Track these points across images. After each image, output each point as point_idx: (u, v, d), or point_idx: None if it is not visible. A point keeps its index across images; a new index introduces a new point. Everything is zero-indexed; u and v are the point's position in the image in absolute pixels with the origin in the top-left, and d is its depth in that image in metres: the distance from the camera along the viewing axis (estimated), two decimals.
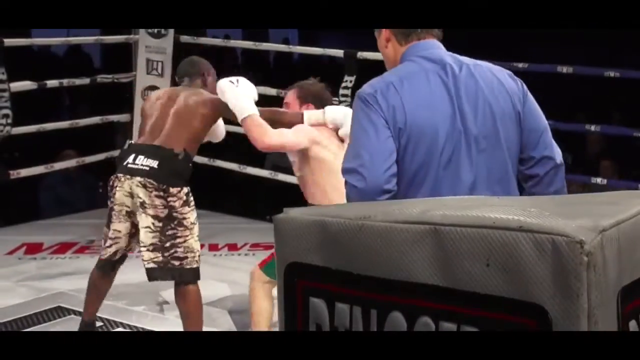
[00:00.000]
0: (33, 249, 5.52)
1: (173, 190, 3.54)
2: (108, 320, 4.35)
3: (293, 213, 1.22)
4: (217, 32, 7.13)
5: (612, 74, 4.92)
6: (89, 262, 5.24)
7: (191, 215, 3.61)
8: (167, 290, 4.71)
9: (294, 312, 1.20)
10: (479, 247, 1.09)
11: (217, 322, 4.35)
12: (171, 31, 5.94)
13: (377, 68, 6.49)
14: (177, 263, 3.57)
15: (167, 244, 3.54)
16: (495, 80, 2.14)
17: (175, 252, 3.56)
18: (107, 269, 3.84)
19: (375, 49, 5.63)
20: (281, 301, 1.22)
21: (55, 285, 4.81)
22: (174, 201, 3.54)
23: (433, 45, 2.19)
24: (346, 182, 1.93)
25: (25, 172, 5.70)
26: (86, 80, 5.92)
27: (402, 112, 2.00)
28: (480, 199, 1.44)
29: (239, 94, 3.55)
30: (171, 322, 4.30)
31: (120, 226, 3.64)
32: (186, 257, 3.58)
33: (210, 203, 6.52)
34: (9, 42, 5.38)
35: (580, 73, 5.11)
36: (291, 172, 6.65)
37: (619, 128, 5.75)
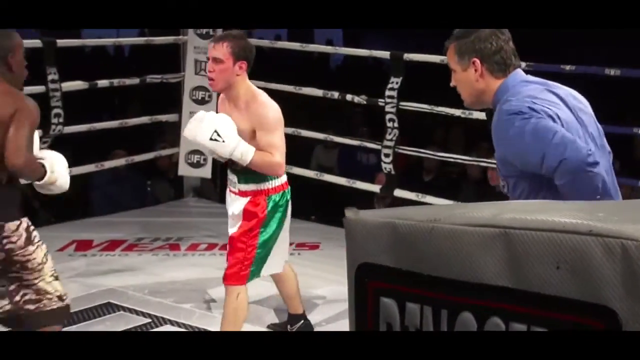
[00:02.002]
0: (83, 245, 5.63)
1: (9, 226, 2.98)
2: (156, 317, 4.41)
3: (364, 215, 1.25)
4: (265, 33, 7.21)
5: None
6: (137, 260, 5.35)
7: (37, 254, 3.06)
8: (214, 289, 4.77)
9: (365, 312, 1.24)
10: (549, 250, 1.12)
11: (262, 320, 4.39)
12: (219, 32, 6.01)
13: (423, 69, 6.51)
14: (32, 307, 3.06)
15: (13, 287, 3.04)
16: (574, 91, 2.46)
17: (25, 294, 3.05)
18: None
19: (420, 50, 5.65)
20: (351, 301, 1.26)
21: (105, 281, 4.90)
22: (13, 242, 2.99)
23: (522, 72, 2.47)
24: (593, 173, 2.18)
25: (76, 171, 5.81)
26: (136, 80, 6.03)
27: (559, 122, 2.26)
28: (546, 203, 1.47)
29: (230, 143, 3.46)
30: (218, 320, 4.36)
31: None
32: (40, 300, 3.06)
33: None
34: (61, 42, 5.51)
35: (627, 75, 5.08)
36: (336, 173, 6.72)
37: None
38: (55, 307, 3.10)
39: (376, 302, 1.22)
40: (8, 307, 3.04)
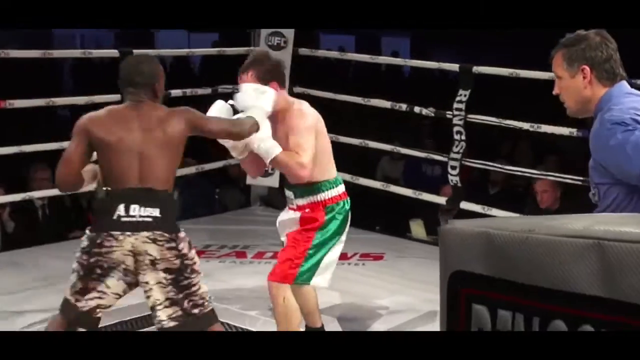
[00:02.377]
0: None
1: (180, 235, 3.11)
2: (222, 323, 4.47)
3: (459, 224, 1.30)
4: (332, 45, 7.31)
5: None
6: (204, 266, 5.34)
7: (197, 257, 3.22)
8: None
9: (457, 318, 1.28)
10: None
11: (325, 328, 4.43)
12: (290, 44, 6.11)
13: (491, 82, 6.49)
14: (196, 311, 3.16)
15: (181, 295, 3.12)
16: None
17: (192, 300, 3.14)
18: (80, 324, 3.16)
19: (489, 63, 5.64)
20: (443, 307, 1.30)
21: None
22: (183, 248, 3.11)
23: (627, 84, 2.52)
24: None
25: None
26: (208, 90, 6.13)
27: None
28: (634, 216, 1.50)
29: (257, 134, 3.40)
30: None
31: (113, 283, 3.08)
32: (203, 304, 3.19)
33: None
34: (137, 52, 5.64)
35: None
36: (401, 184, 6.74)
37: None
38: (210, 307, 3.23)
39: (468, 308, 1.26)
40: (180, 312, 3.11)
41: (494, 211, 5.37)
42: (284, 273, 3.66)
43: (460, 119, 5.43)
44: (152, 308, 3.12)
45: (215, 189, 7.10)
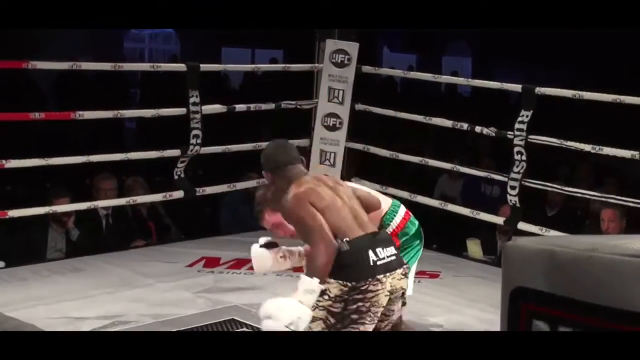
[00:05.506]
0: (211, 262, 5.82)
1: None
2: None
3: (522, 241, 1.34)
4: (394, 63, 7.35)
5: None
6: (262, 279, 5.45)
7: None
8: None
9: None
10: None
11: None
12: (354, 61, 6.14)
13: (554, 103, 6.46)
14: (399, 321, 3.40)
15: (398, 307, 3.31)
16: None
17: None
18: None
19: (552, 85, 5.63)
20: (504, 321, 1.33)
21: (230, 298, 5.02)
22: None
23: None
24: None
25: (209, 190, 6.03)
26: (271, 106, 6.20)
27: None
28: None
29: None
30: None
31: (371, 328, 3.17)
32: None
33: None
34: (204, 67, 5.77)
35: None
36: (459, 203, 6.73)
37: None
38: None
39: (529, 324, 1.29)
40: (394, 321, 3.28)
41: (552, 233, 5.33)
42: None
43: (522, 140, 5.41)
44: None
45: None
